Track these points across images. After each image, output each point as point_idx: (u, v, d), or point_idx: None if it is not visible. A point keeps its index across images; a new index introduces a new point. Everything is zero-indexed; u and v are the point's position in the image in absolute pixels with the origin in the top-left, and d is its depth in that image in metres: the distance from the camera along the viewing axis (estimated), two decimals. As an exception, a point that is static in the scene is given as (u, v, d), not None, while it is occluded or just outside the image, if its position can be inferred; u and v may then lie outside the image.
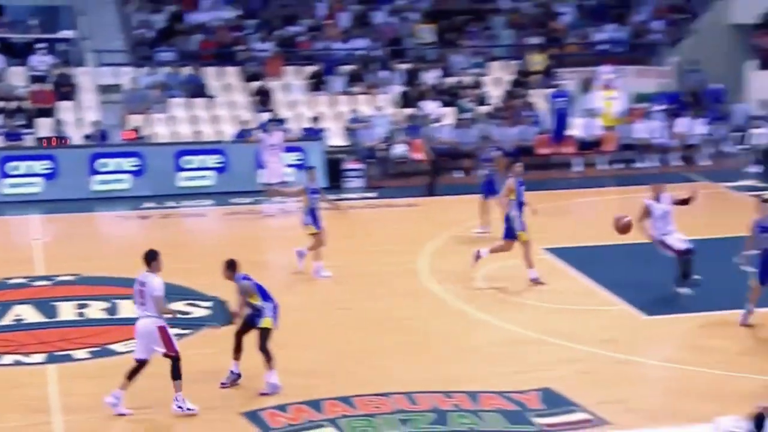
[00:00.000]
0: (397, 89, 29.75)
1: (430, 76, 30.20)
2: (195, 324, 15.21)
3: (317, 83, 29.72)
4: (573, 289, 17.44)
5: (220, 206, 24.50)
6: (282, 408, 12.37)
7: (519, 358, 14.27)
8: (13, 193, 25.28)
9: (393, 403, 12.51)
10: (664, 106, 29.48)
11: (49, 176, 25.37)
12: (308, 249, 18.15)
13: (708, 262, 16.70)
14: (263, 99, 28.71)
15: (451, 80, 30.29)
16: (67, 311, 16.40)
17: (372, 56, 30.73)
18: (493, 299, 16.96)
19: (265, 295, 12.95)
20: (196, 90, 28.88)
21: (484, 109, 29.13)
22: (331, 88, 29.70)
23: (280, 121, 26.97)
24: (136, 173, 25.67)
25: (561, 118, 28.35)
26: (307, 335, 14.66)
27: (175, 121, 27.91)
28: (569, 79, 30.75)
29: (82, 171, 25.44)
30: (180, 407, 12.20)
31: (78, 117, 27.75)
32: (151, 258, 12.37)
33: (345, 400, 12.57)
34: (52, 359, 14.23)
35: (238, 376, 13.14)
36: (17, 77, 28.55)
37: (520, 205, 17.61)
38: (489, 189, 20.66)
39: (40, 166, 25.38)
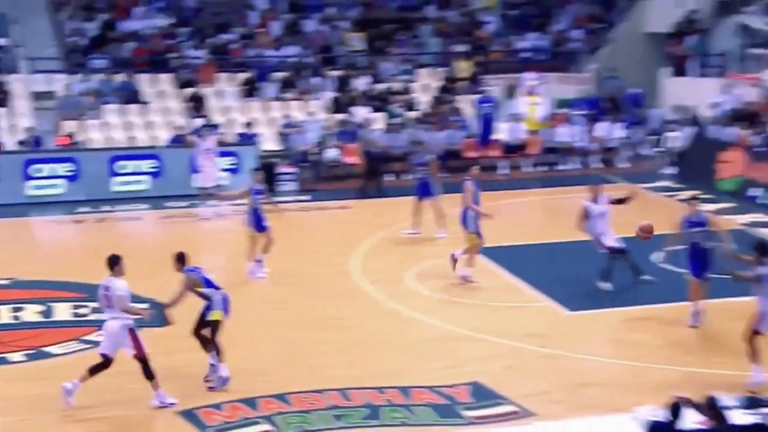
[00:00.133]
0: (329, 95, 29.89)
1: (361, 83, 30.40)
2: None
3: (250, 89, 29.78)
4: (500, 286, 17.72)
5: (156, 210, 24.42)
6: (218, 406, 12.48)
7: (449, 354, 14.50)
8: (-53, 198, 25.02)
9: (327, 400, 12.65)
10: (584, 111, 30.01)
11: (-18, 182, 25.20)
12: (262, 251, 18.31)
13: (621, 259, 17.15)
14: (197, 105, 28.73)
15: (380, 86, 30.49)
16: (2, 315, 16.41)
17: (304, 63, 30.84)
18: (423, 298, 17.16)
19: (212, 287, 13.16)
20: (130, 96, 28.84)
21: (413, 114, 29.41)
22: (264, 94, 29.76)
23: (214, 126, 27.01)
24: (71, 178, 25.61)
25: (487, 123, 28.73)
26: (243, 335, 14.65)
27: (109, 127, 27.88)
28: (494, 85, 31.07)
29: (16, 176, 25.37)
30: (162, 403, 12.43)
31: (11, 123, 27.64)
32: (113, 263, 12.58)
33: (280, 397, 12.68)
34: (-13, 362, 14.20)
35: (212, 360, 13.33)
36: (-50, 85, 28.34)
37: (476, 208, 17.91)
38: (423, 191, 21.16)
39: (-26, 172, 25.17)
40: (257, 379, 13.36)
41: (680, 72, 31.52)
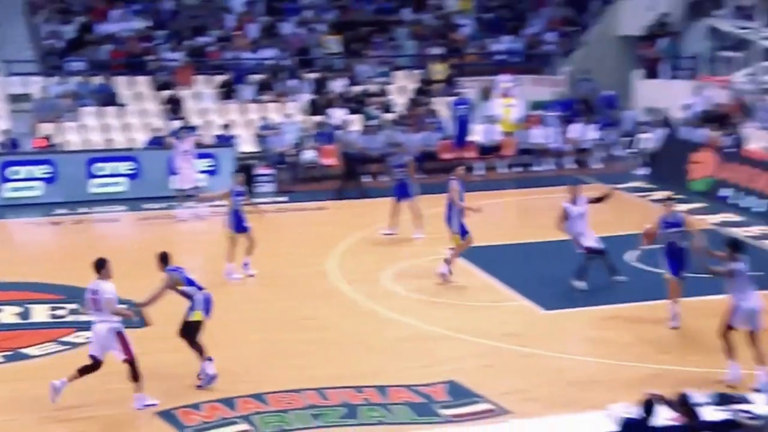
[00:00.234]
0: (306, 97, 29.89)
1: (338, 85, 30.42)
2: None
3: (227, 92, 29.76)
4: (476, 286, 17.88)
5: (133, 212, 24.40)
6: (196, 406, 12.59)
7: (426, 353, 14.66)
8: (-76, 201, 24.95)
9: (305, 399, 12.78)
10: (558, 113, 30.14)
11: (-41, 184, 25.14)
12: (246, 253, 18.42)
13: (597, 260, 17.37)
14: (174, 107, 28.70)
15: (357, 89, 30.53)
16: (-21, 316, 16.38)
17: (281, 66, 30.84)
18: (401, 298, 17.29)
19: (195, 285, 13.28)
20: (107, 99, 28.77)
21: (389, 116, 29.47)
22: (241, 96, 29.75)
23: (192, 128, 27.01)
24: (48, 180, 25.50)
25: (462, 125, 28.88)
26: (222, 335, 14.59)
27: (86, 130, 27.82)
28: (470, 87, 31.15)
29: (-7, 179, 25.29)
30: (144, 405, 12.52)
31: (-12, 126, 27.58)
32: (100, 266, 12.68)
33: (258, 397, 12.80)
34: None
35: (209, 360, 13.46)
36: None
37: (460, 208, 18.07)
38: (401, 192, 21.30)
39: (-49, 174, 25.11)
40: (236, 379, 13.44)
41: (652, 74, 31.79)
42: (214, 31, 32.01)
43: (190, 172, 24.64)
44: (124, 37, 30.89)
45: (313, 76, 30.84)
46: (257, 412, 12.46)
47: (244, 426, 12.12)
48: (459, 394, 13.04)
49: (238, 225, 18.45)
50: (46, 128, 27.49)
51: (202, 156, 25.65)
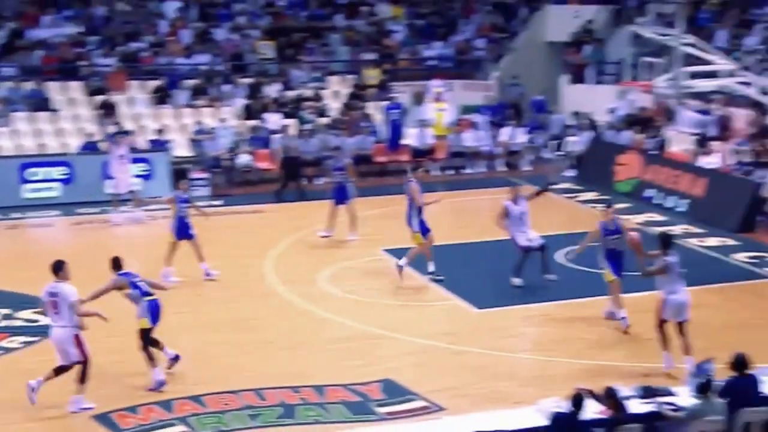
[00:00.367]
0: (240, 102, 29.92)
1: (272, 90, 30.49)
2: (42, 332, 14.54)
3: (161, 97, 29.66)
4: (411, 286, 17.98)
5: (67, 216, 24.25)
6: (132, 409, 12.61)
7: (362, 352, 14.82)
8: None
9: (242, 400, 12.84)
10: (489, 117, 30.47)
11: None
12: (199, 260, 18.45)
13: (533, 258, 17.69)
14: (108, 112, 28.52)
15: (291, 93, 30.59)
16: None
17: (215, 71, 30.86)
18: (337, 299, 17.43)
19: (141, 292, 13.33)
20: (40, 104, 28.54)
21: (324, 120, 29.57)
22: (176, 101, 29.68)
23: (126, 132, 26.89)
24: (-20, 186, 25.26)
25: (396, 129, 29.15)
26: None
27: (18, 135, 27.59)
28: (402, 92, 31.40)
29: (-76, 185, 24.91)
30: (81, 408, 12.54)
31: None
32: (58, 268, 12.66)
33: (195, 398, 12.86)
34: None
35: (176, 358, 13.67)
36: None
37: (420, 207, 18.32)
38: (340, 195, 21.42)
39: None
40: (172, 381, 13.51)
41: (578, 79, 32.29)
42: (147, 36, 31.88)
43: (126, 177, 24.53)
44: (56, 42, 30.63)
45: (247, 81, 30.85)
46: (194, 413, 12.49)
47: (182, 428, 12.14)
48: (394, 392, 13.18)
49: (183, 232, 18.48)
50: (-23, 134, 27.25)
51: (136, 161, 25.54)
